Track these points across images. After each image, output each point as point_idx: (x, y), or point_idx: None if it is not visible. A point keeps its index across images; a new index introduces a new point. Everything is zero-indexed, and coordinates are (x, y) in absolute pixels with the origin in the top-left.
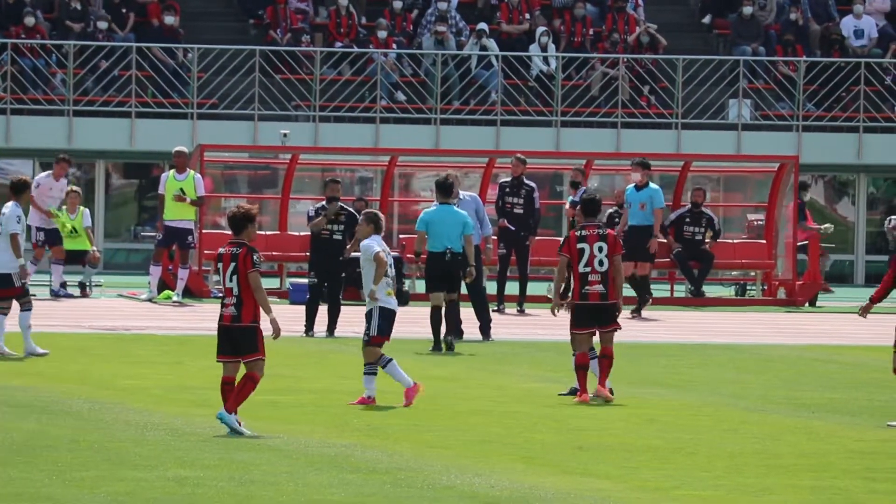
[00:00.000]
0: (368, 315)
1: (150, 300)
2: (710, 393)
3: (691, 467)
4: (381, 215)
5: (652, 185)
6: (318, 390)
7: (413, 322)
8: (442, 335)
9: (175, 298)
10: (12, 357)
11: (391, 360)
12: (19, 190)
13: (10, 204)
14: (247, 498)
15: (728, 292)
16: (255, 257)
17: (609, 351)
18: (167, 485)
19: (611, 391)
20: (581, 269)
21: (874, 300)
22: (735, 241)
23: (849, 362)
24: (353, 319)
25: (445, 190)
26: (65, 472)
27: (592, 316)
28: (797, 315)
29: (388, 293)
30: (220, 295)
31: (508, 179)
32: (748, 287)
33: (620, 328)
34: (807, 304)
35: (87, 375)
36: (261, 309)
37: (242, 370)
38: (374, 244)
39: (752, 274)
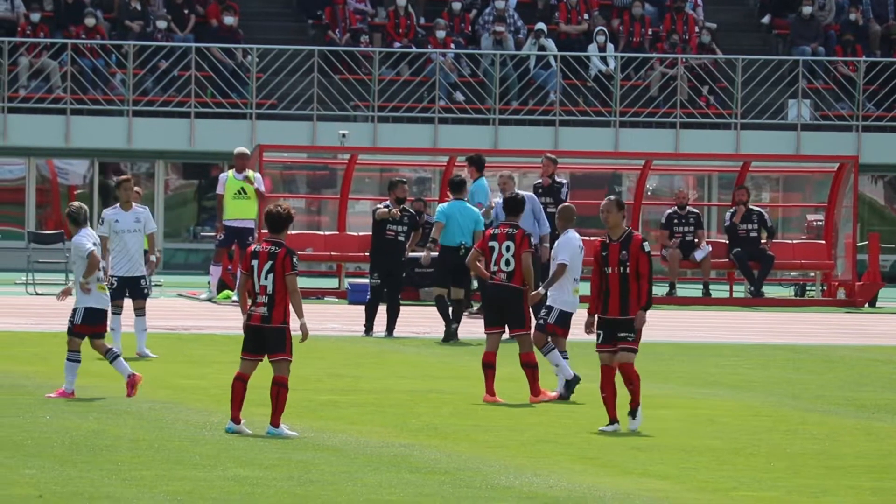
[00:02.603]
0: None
1: (209, 300)
2: (770, 394)
3: (750, 468)
4: (76, 207)
5: (483, 180)
6: (378, 390)
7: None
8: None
9: (234, 298)
10: (153, 358)
11: (118, 355)
12: (116, 186)
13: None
14: (305, 498)
15: (788, 293)
16: (294, 259)
17: (526, 357)
18: (226, 484)
19: (561, 394)
20: (491, 267)
21: (592, 312)
22: (794, 241)
23: None
24: (411, 319)
25: (457, 187)
26: (124, 472)
27: (497, 315)
28: (857, 315)
29: (101, 288)
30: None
31: (540, 181)
32: (808, 287)
33: (528, 331)
34: (867, 305)
35: (146, 375)
36: (290, 310)
37: (257, 369)
38: (86, 241)
39: (812, 274)
